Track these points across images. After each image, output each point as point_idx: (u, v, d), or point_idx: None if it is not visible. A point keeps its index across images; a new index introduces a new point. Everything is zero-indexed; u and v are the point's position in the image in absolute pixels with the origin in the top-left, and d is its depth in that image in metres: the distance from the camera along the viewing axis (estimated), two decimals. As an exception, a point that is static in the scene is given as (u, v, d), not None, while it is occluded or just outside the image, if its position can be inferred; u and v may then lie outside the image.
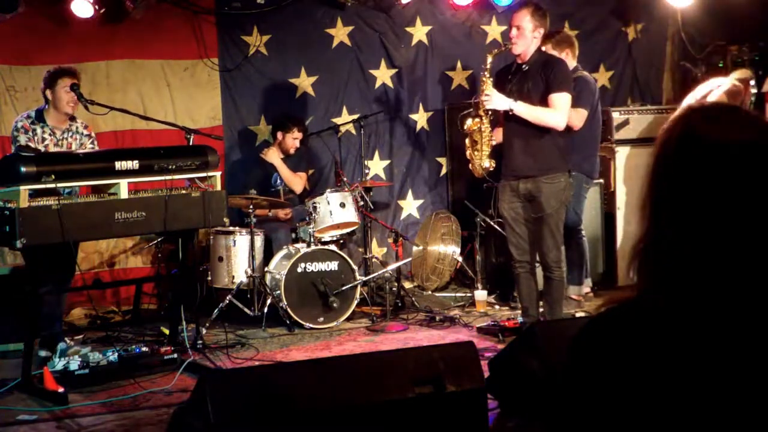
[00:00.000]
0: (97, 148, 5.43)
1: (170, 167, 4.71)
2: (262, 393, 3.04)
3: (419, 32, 7.59)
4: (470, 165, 5.26)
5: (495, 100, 4.97)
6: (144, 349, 4.89)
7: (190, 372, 4.71)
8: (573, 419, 1.24)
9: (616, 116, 6.80)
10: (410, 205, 7.71)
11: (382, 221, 7.18)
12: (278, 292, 5.81)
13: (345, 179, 6.62)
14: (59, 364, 4.61)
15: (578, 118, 5.78)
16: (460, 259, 6.98)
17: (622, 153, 6.81)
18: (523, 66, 5.04)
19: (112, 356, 4.73)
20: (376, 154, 7.58)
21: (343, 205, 6.19)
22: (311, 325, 5.81)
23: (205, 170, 4.90)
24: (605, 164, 6.71)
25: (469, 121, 5.21)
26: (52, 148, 5.15)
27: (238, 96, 7.16)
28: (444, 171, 7.75)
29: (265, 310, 5.85)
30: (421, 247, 7.17)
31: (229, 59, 7.10)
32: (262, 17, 7.08)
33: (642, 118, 6.81)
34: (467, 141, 5.24)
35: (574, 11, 7.74)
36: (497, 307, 6.40)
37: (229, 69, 7.09)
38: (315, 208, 6.09)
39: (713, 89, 5.58)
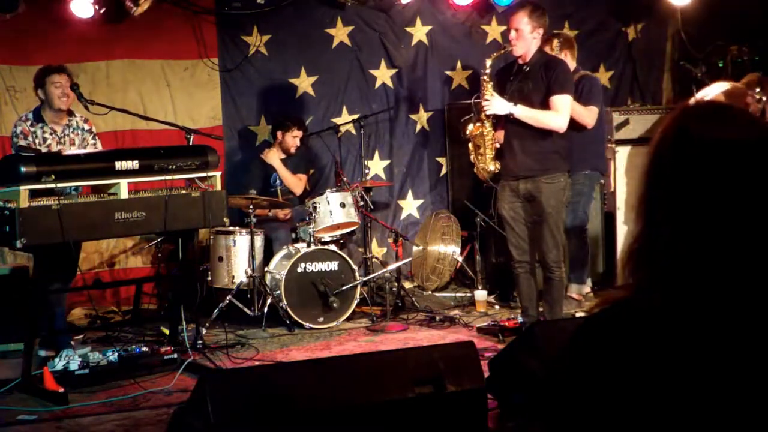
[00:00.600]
0: (98, 143, 5.42)
1: (170, 167, 4.71)
2: (262, 393, 3.04)
3: (419, 32, 7.59)
4: (475, 169, 5.24)
5: (495, 104, 4.97)
6: (144, 349, 4.89)
7: (190, 372, 4.71)
8: (572, 419, 1.24)
9: (616, 116, 6.79)
10: (410, 205, 7.71)
11: (382, 221, 7.18)
12: (278, 292, 5.81)
13: (345, 179, 6.62)
14: (59, 364, 4.61)
15: (591, 116, 5.83)
16: (460, 259, 6.98)
17: (622, 153, 6.80)
18: (525, 66, 5.03)
19: (112, 356, 4.73)
20: (376, 154, 7.58)
21: (343, 205, 6.19)
22: (311, 325, 5.81)
23: (205, 170, 4.90)
24: (605, 164, 6.72)
25: (470, 126, 5.18)
26: (54, 147, 5.14)
27: (238, 96, 7.16)
28: (444, 171, 7.74)
29: (265, 310, 5.85)
30: (421, 247, 7.17)
31: (229, 59, 7.10)
32: (262, 17, 7.09)
33: (642, 118, 6.80)
34: (470, 146, 5.21)
35: (574, 11, 7.74)
36: (497, 307, 6.40)
37: (229, 69, 7.09)
38: (315, 208, 6.09)
39: (714, 90, 5.60)
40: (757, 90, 5.63)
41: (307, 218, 6.09)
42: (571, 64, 5.89)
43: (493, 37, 7.69)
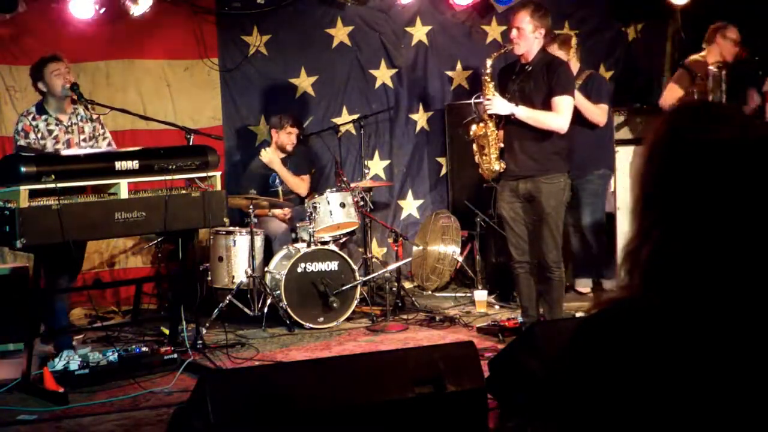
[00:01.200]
0: (107, 132, 5.40)
1: (170, 167, 4.71)
2: (262, 393, 3.04)
3: (419, 32, 7.59)
4: (480, 170, 5.20)
5: (497, 104, 4.96)
6: (144, 349, 4.89)
7: (190, 372, 4.71)
8: (572, 419, 1.24)
9: (616, 116, 6.79)
10: (410, 205, 7.71)
11: (382, 221, 7.18)
12: (278, 292, 5.81)
13: (345, 179, 6.61)
14: (59, 364, 4.61)
15: (602, 114, 5.87)
16: (460, 259, 6.98)
17: (622, 153, 6.78)
18: (527, 66, 5.02)
19: (112, 356, 4.73)
20: (376, 154, 7.58)
21: (343, 205, 6.19)
22: (311, 325, 5.81)
23: (205, 170, 4.89)
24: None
25: (474, 127, 5.14)
26: (63, 138, 5.12)
27: (238, 96, 7.16)
28: (444, 171, 7.75)
29: (265, 310, 5.85)
30: (421, 247, 7.17)
31: (229, 59, 7.10)
32: (262, 17, 7.09)
33: (642, 118, 6.80)
34: (474, 147, 5.18)
35: (574, 11, 7.74)
36: (497, 307, 6.40)
37: (229, 69, 7.10)
38: (315, 208, 6.09)
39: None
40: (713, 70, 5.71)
41: (307, 218, 6.09)
42: (575, 64, 5.94)
43: (493, 37, 7.69)
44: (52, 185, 4.31)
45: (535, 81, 4.97)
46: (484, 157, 5.12)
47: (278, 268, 5.98)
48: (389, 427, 3.20)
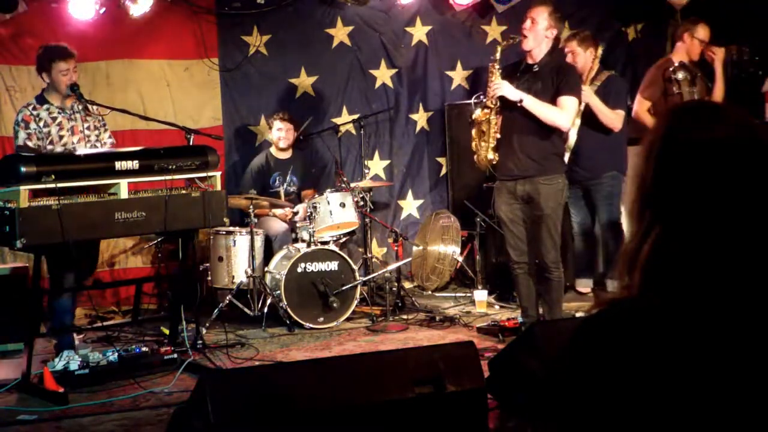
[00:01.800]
0: (106, 125, 5.39)
1: (170, 167, 4.71)
2: (262, 393, 3.04)
3: (419, 32, 7.59)
4: (475, 157, 5.12)
5: (505, 87, 4.90)
6: (144, 349, 4.89)
7: (190, 372, 4.71)
8: (572, 419, 1.24)
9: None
10: (410, 205, 7.71)
11: (382, 221, 7.18)
12: (278, 292, 5.81)
13: (345, 179, 6.61)
14: (59, 364, 4.61)
15: (618, 119, 5.89)
16: (460, 259, 6.98)
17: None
18: (534, 66, 5.00)
19: (112, 356, 4.73)
20: (376, 154, 7.58)
21: (343, 205, 6.19)
22: (311, 325, 5.81)
23: (205, 170, 4.89)
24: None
25: (478, 111, 5.06)
26: (66, 125, 5.11)
27: (238, 96, 7.16)
28: (444, 171, 7.75)
29: (265, 310, 5.85)
30: (421, 247, 7.17)
31: (229, 59, 7.10)
32: (262, 17, 7.09)
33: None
34: (474, 131, 5.09)
35: (574, 11, 7.73)
36: (497, 307, 6.40)
37: (229, 69, 7.10)
38: (315, 208, 6.09)
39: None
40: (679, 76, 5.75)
41: (307, 218, 6.09)
42: (595, 64, 6.00)
43: (493, 37, 7.69)
44: (52, 185, 4.31)
45: (543, 82, 4.95)
46: (482, 144, 5.05)
47: (278, 268, 5.98)
48: (389, 427, 3.20)
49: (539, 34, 4.94)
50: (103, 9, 6.32)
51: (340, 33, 7.38)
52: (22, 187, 4.21)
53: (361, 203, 6.45)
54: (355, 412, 3.13)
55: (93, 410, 4.21)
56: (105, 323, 6.06)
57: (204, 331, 5.42)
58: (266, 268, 6.07)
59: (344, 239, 6.54)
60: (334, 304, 5.86)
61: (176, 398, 4.33)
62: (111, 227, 4.57)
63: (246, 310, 5.90)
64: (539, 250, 5.07)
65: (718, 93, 6.11)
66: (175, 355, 4.83)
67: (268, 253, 6.28)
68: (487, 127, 5.03)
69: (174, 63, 6.93)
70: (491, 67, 5.00)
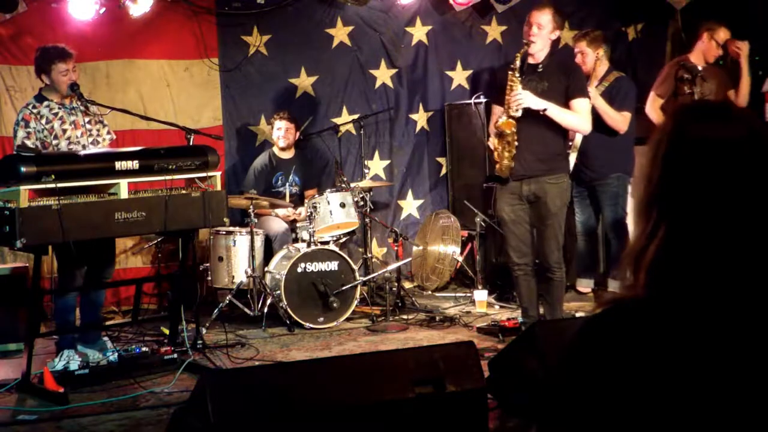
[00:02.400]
0: (105, 123, 5.41)
1: (170, 167, 4.71)
2: (261, 393, 3.04)
3: (419, 32, 7.59)
4: (497, 165, 5.01)
5: (529, 99, 4.86)
6: (144, 349, 4.89)
7: (190, 372, 4.71)
8: (572, 419, 1.24)
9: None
10: (410, 205, 7.71)
11: (382, 221, 7.18)
12: (278, 292, 5.81)
13: (345, 179, 6.61)
14: (59, 364, 4.61)
15: (624, 122, 5.89)
16: (460, 259, 6.98)
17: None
18: (538, 67, 4.99)
19: (112, 356, 4.74)
20: (376, 154, 7.58)
21: (343, 205, 6.19)
22: (311, 325, 5.81)
23: (205, 170, 4.89)
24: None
25: (503, 119, 4.95)
26: (68, 120, 5.10)
27: (238, 96, 7.16)
28: (444, 171, 7.75)
29: (265, 310, 5.85)
30: (421, 247, 7.17)
31: (229, 59, 7.10)
32: (262, 17, 7.09)
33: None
34: (497, 141, 4.98)
35: (574, 11, 7.74)
36: (497, 307, 6.40)
37: (229, 69, 7.09)
38: (315, 208, 6.09)
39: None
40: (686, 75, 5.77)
41: (307, 218, 6.09)
42: (605, 63, 6.01)
43: (493, 37, 7.70)
44: (52, 185, 4.31)
45: (550, 81, 4.95)
46: (505, 153, 4.96)
47: (278, 268, 5.98)
48: (389, 427, 3.20)
49: (545, 38, 4.96)
50: (103, 9, 6.31)
51: (340, 33, 7.38)
52: (22, 187, 4.21)
53: (361, 203, 6.45)
54: (355, 412, 3.13)
55: (93, 410, 4.21)
56: (105, 323, 6.06)
57: (204, 331, 5.42)
58: (266, 268, 6.07)
59: (344, 239, 6.55)
60: (334, 304, 5.86)
61: (176, 398, 4.34)
62: (111, 227, 4.57)
63: (246, 310, 5.90)
64: (543, 251, 5.06)
65: (744, 87, 6.10)
66: (175, 355, 4.84)
67: (268, 253, 6.28)
68: (511, 137, 4.95)
69: (174, 63, 6.93)
70: (511, 75, 4.91)
